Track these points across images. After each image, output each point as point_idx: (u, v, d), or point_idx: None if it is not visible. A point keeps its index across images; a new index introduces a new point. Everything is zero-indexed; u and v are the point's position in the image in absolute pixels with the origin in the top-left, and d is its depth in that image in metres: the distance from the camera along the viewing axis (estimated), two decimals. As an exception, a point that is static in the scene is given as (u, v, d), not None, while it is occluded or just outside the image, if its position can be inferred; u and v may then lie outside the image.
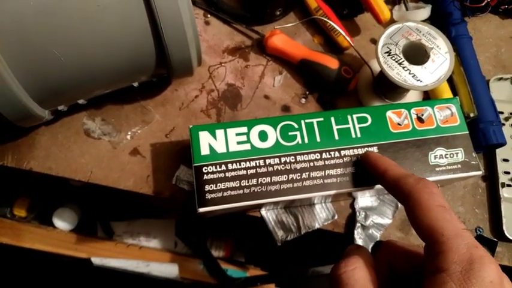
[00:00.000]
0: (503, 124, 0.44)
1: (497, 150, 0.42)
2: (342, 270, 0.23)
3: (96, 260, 0.49)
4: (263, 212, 0.39)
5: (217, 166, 0.35)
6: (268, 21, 0.45)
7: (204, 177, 0.34)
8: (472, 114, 0.41)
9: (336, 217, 0.39)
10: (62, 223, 0.54)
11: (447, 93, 0.43)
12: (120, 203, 0.56)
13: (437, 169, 0.36)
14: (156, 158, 0.40)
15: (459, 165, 0.36)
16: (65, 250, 0.51)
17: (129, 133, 0.40)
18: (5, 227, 0.52)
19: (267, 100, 0.43)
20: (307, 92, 0.44)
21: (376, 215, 0.40)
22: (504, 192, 0.41)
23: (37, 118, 0.33)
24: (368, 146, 0.36)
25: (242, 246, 0.56)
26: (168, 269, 0.49)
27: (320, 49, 0.45)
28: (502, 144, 0.41)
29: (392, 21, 0.46)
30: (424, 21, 0.47)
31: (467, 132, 0.37)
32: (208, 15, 0.46)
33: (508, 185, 0.41)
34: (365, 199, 0.40)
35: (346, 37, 0.44)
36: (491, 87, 0.44)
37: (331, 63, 0.42)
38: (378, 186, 0.36)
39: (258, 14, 0.44)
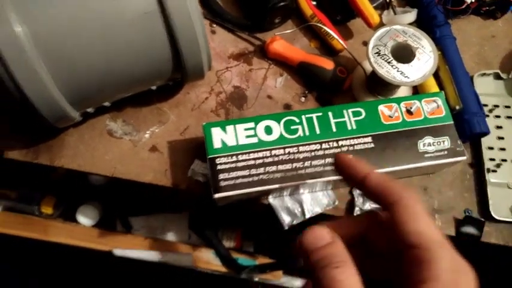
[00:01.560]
0: (488, 115, 0.47)
1: (483, 139, 0.46)
2: (342, 276, 0.22)
3: (117, 252, 0.54)
4: (270, 199, 0.43)
5: (229, 157, 0.39)
6: (269, 29, 0.50)
7: (218, 167, 0.39)
8: (457, 107, 0.45)
9: (337, 203, 0.43)
10: (85, 219, 0.58)
11: (434, 88, 0.47)
12: (137, 200, 0.60)
13: (426, 155, 0.40)
14: (172, 154, 0.44)
15: (446, 152, 0.40)
16: (88, 243, 0.56)
17: (148, 132, 0.45)
18: (34, 223, 0.56)
19: (270, 100, 0.48)
20: (306, 92, 0.48)
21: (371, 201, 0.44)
22: (490, 177, 0.45)
23: (70, 119, 0.38)
24: (363, 137, 0.40)
25: (251, 237, 0.60)
26: (184, 259, 0.53)
27: (316, 52, 0.50)
28: (486, 133, 0.45)
29: (381, 25, 0.50)
30: (411, 24, 0.51)
31: (452, 122, 0.41)
32: (214, 25, 0.50)
33: (493, 171, 0.45)
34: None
35: (340, 41, 0.48)
36: (475, 82, 0.48)
37: (327, 64, 0.47)
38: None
39: (259, 22, 0.49)
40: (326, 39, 0.50)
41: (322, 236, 0.23)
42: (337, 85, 0.47)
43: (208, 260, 0.55)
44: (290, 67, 0.49)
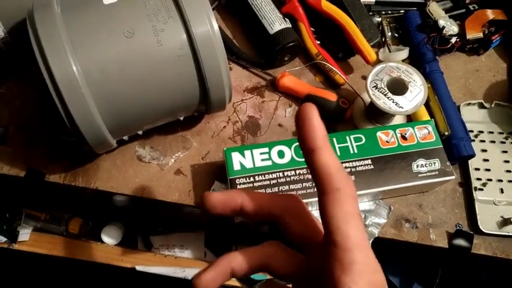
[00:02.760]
0: (473, 140, 0.53)
1: (470, 161, 0.52)
2: None
3: (139, 268, 0.58)
4: (282, 216, 0.48)
5: (247, 178, 0.45)
6: (279, 66, 0.57)
7: (237, 187, 0.44)
8: (446, 133, 0.51)
9: (341, 218, 0.48)
10: (109, 239, 0.63)
11: (425, 116, 0.53)
12: (157, 220, 0.65)
13: (419, 175, 0.46)
14: (195, 176, 0.50)
15: (437, 172, 0.46)
16: (112, 261, 0.60)
17: (173, 157, 0.51)
18: (62, 242, 0.61)
19: (281, 128, 0.54)
20: (313, 120, 0.54)
21: (374, 216, 0.49)
22: (477, 195, 0.50)
23: (109, 146, 0.44)
24: (363, 159, 0.46)
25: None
26: (202, 274, 0.58)
27: (321, 86, 0.56)
28: (472, 155, 0.50)
29: (378, 61, 0.57)
30: (404, 60, 0.58)
31: (442, 146, 0.47)
32: (231, 63, 0.57)
33: (480, 189, 0.51)
34: (363, 203, 0.49)
35: (342, 75, 0.55)
36: (461, 111, 0.55)
37: (331, 96, 0.53)
38: (374, 191, 0.46)
39: (270, 60, 0.56)
40: (329, 74, 0.56)
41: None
42: (340, 114, 0.53)
43: (223, 275, 0.59)
44: (298, 99, 0.55)
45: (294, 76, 0.55)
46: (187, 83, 0.41)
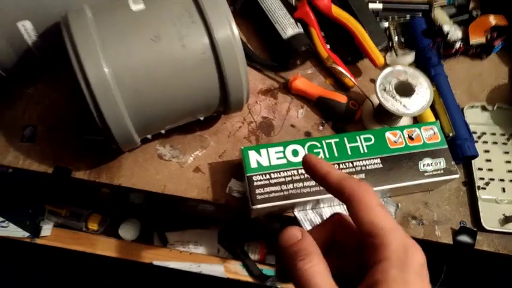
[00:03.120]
0: (477, 141, 0.56)
1: (473, 161, 0.54)
2: (308, 265, 0.24)
3: (157, 262, 0.61)
4: (296, 212, 0.51)
5: (263, 175, 0.47)
6: (291, 69, 0.59)
7: (254, 184, 0.47)
8: (451, 134, 0.54)
9: (352, 214, 0.51)
10: (126, 234, 0.66)
11: (431, 118, 0.55)
12: (172, 217, 0.68)
13: (425, 174, 0.48)
14: (212, 174, 0.53)
15: (442, 171, 0.49)
16: (129, 256, 0.63)
17: (192, 156, 0.53)
18: (82, 238, 0.64)
19: (293, 128, 0.56)
20: (324, 121, 0.57)
21: (382, 212, 0.51)
22: (480, 194, 0.53)
23: (134, 144, 0.46)
24: (373, 158, 0.49)
25: (272, 252, 0.67)
26: (216, 269, 0.60)
27: (331, 88, 0.59)
28: (475, 156, 0.53)
29: (386, 65, 0.60)
30: (410, 64, 0.60)
31: (447, 146, 0.50)
32: (249, 68, 0.59)
33: (483, 188, 0.53)
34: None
35: (351, 78, 0.58)
36: (465, 113, 0.57)
37: (341, 98, 0.56)
38: (383, 189, 0.49)
39: (283, 63, 0.59)
40: (339, 77, 0.59)
41: (293, 234, 0.27)
42: (350, 116, 0.56)
43: (236, 270, 0.62)
44: (309, 101, 0.58)
45: (305, 79, 0.58)
46: (209, 85, 0.44)
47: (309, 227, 0.51)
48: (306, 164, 0.30)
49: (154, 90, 0.42)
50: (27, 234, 0.63)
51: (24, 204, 0.64)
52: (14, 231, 0.63)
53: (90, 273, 0.70)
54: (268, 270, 0.63)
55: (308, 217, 0.51)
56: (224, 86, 0.44)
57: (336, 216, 0.29)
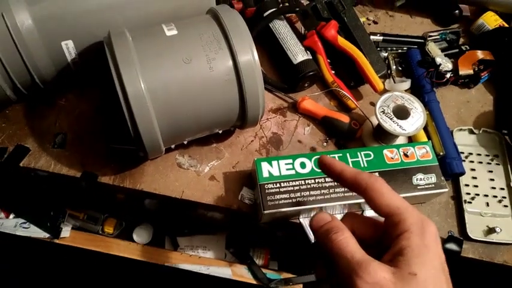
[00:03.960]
0: (464, 160, 0.62)
1: (461, 178, 0.60)
2: (341, 237, 0.28)
3: (168, 265, 0.65)
4: (301, 219, 0.56)
5: (274, 184, 0.53)
6: (299, 90, 0.66)
7: (266, 191, 0.52)
8: (441, 153, 0.60)
9: (352, 222, 0.57)
10: (139, 238, 0.70)
11: (424, 138, 0.62)
12: (183, 222, 0.73)
13: (418, 187, 0.54)
14: (226, 182, 0.58)
15: (433, 185, 0.54)
16: (142, 258, 0.67)
17: (208, 165, 0.59)
18: (98, 240, 0.68)
19: (300, 144, 0.62)
20: (327, 138, 0.63)
21: (379, 221, 0.57)
22: (467, 207, 0.59)
23: (160, 152, 0.52)
24: (372, 172, 0.55)
25: (275, 258, 0.72)
26: (224, 271, 0.65)
27: (335, 109, 0.65)
28: (463, 173, 0.59)
29: (385, 90, 0.66)
30: (406, 90, 0.67)
31: (438, 163, 0.56)
32: (257, 86, 0.66)
33: (469, 202, 0.59)
34: (370, 211, 0.57)
35: (353, 101, 0.64)
36: (454, 135, 0.64)
37: (344, 118, 0.62)
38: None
39: (292, 85, 0.65)
40: (342, 100, 0.65)
41: (323, 217, 0.31)
42: (351, 134, 0.62)
43: (242, 274, 0.66)
44: (315, 119, 0.64)
45: (312, 100, 0.64)
46: (231, 102, 0.50)
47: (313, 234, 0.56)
48: (322, 164, 0.34)
49: (183, 105, 0.48)
50: (47, 235, 0.67)
51: (45, 207, 0.68)
52: (35, 232, 0.67)
53: (105, 272, 0.74)
54: (271, 274, 0.67)
55: (313, 224, 0.56)
56: (244, 103, 0.50)
57: (351, 214, 0.33)
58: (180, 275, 0.66)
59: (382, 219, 0.30)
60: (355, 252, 0.28)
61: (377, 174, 0.54)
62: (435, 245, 0.28)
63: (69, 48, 0.53)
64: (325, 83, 0.66)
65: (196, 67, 0.48)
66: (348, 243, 0.28)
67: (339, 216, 0.56)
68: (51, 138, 0.59)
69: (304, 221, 0.57)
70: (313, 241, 0.56)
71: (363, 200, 0.52)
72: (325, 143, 0.63)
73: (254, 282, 0.67)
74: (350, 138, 0.63)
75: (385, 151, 0.56)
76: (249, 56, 0.49)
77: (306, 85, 0.66)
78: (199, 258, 0.68)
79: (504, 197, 0.60)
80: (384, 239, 0.29)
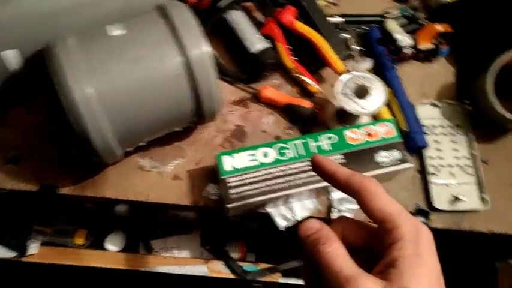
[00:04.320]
0: (428, 134, 0.62)
1: (425, 151, 0.60)
2: (328, 248, 0.26)
3: (143, 269, 0.64)
4: (268, 208, 0.55)
5: (237, 177, 0.52)
6: (261, 80, 0.65)
7: (228, 185, 0.51)
8: (405, 128, 0.60)
9: (319, 207, 0.56)
10: (112, 246, 0.68)
11: (387, 115, 0.61)
12: (156, 225, 0.71)
13: (383, 165, 0.54)
14: (191, 180, 0.57)
15: (397, 161, 0.54)
16: (117, 265, 0.66)
17: (171, 165, 0.57)
18: (69, 253, 0.66)
19: (264, 133, 0.61)
20: (292, 125, 0.62)
21: (347, 203, 0.56)
22: (432, 179, 0.59)
23: (117, 157, 0.50)
24: (336, 155, 0.54)
25: (252, 250, 0.71)
26: (200, 269, 0.64)
27: (298, 96, 0.64)
28: (426, 146, 0.59)
29: (347, 72, 0.65)
30: (369, 70, 0.66)
31: (401, 139, 0.56)
32: (218, 79, 0.64)
33: (433, 173, 0.59)
34: (338, 193, 0.57)
35: (315, 85, 0.63)
36: (417, 109, 0.63)
37: (306, 104, 0.61)
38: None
39: (252, 75, 0.64)
40: (304, 85, 0.64)
41: (312, 225, 0.29)
42: (314, 119, 0.61)
43: (219, 269, 0.65)
44: (278, 108, 0.63)
45: (274, 88, 0.63)
46: (185, 98, 0.49)
47: (282, 222, 0.55)
48: (314, 164, 0.32)
49: (136, 106, 0.47)
50: (14, 254, 0.65)
51: (10, 225, 0.66)
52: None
53: (80, 286, 0.72)
54: (249, 266, 0.67)
55: (280, 212, 0.56)
56: (198, 98, 0.49)
57: (342, 218, 0.31)
58: (157, 278, 0.65)
59: (374, 225, 0.28)
60: (344, 267, 0.26)
61: (341, 156, 0.54)
62: (430, 255, 0.26)
63: (10, 58, 0.51)
64: (286, 70, 0.65)
65: (146, 66, 0.46)
66: (337, 255, 0.26)
67: (299, 205, 0.56)
68: (2, 154, 0.56)
69: (272, 210, 0.56)
70: (281, 229, 0.55)
71: (328, 184, 0.52)
72: (289, 131, 0.62)
73: (232, 276, 0.66)
74: (314, 123, 0.62)
75: (347, 132, 0.55)
76: (199, 49, 0.47)
77: (267, 74, 0.65)
78: (175, 259, 0.67)
79: (468, 166, 0.60)
80: (377, 246, 0.28)
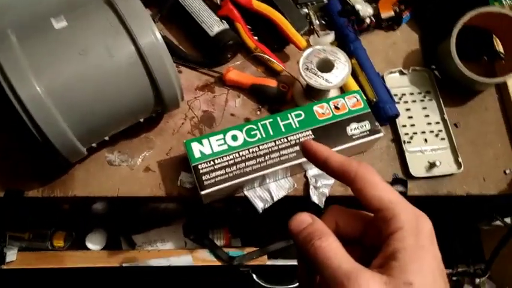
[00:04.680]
0: (398, 102, 0.62)
1: (397, 120, 0.60)
2: (325, 243, 0.25)
3: (126, 264, 0.63)
4: (245, 191, 0.55)
5: (208, 163, 0.51)
6: (224, 63, 0.63)
7: (200, 171, 0.50)
8: (374, 99, 0.60)
9: (296, 185, 0.56)
10: (93, 245, 0.67)
11: (355, 88, 0.61)
12: (137, 220, 0.70)
13: (353, 137, 0.54)
14: (162, 170, 0.56)
15: (368, 132, 0.54)
16: (100, 264, 0.65)
17: (140, 157, 0.56)
18: (49, 256, 0.65)
19: (233, 116, 0.60)
20: (260, 106, 0.61)
21: (323, 178, 0.56)
22: (407, 147, 0.59)
23: (80, 154, 0.49)
24: (305, 131, 0.53)
25: (237, 235, 0.71)
26: (185, 259, 0.63)
27: (263, 75, 0.63)
28: (397, 115, 0.59)
29: (309, 46, 0.65)
30: (332, 43, 0.66)
31: (370, 110, 0.55)
32: (180, 66, 0.63)
33: (409, 142, 0.59)
34: (313, 170, 0.57)
35: (279, 64, 0.62)
36: (385, 79, 0.63)
37: (272, 83, 0.60)
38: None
39: (215, 59, 0.62)
40: (269, 64, 0.63)
41: (303, 219, 0.27)
42: (282, 97, 0.60)
43: (204, 258, 0.65)
44: (244, 89, 0.62)
45: (238, 70, 0.62)
46: (142, 87, 0.47)
47: (259, 204, 0.55)
48: (305, 151, 0.29)
49: (89, 100, 0.45)
50: (-8, 263, 0.63)
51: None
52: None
53: (64, 287, 0.71)
54: (234, 252, 0.67)
55: (257, 194, 0.55)
56: (156, 86, 0.48)
57: (334, 208, 0.29)
58: (143, 272, 0.64)
59: (370, 214, 0.27)
60: (342, 262, 0.24)
61: (310, 132, 0.53)
62: (431, 246, 0.25)
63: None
64: (248, 50, 0.64)
65: (94, 57, 0.44)
66: (334, 250, 0.24)
67: (275, 185, 0.56)
68: (-35, 162, 0.55)
69: (249, 193, 0.56)
70: (260, 211, 0.55)
71: (302, 160, 0.52)
72: (258, 112, 0.61)
73: (218, 263, 0.66)
74: (281, 102, 0.61)
75: (315, 107, 0.55)
76: (150, 36, 0.46)
77: (229, 56, 0.63)
78: (159, 252, 0.66)
79: (440, 131, 0.61)
80: (374, 237, 0.26)
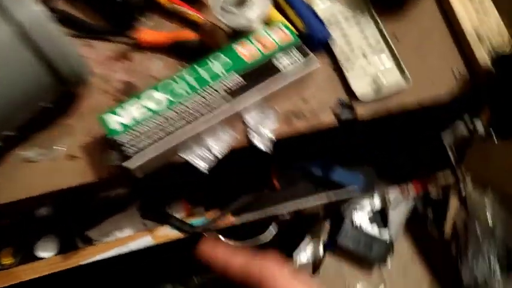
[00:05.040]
0: (331, 26, 0.57)
1: (334, 46, 0.55)
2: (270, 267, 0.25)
3: (84, 262, 0.59)
4: (182, 154, 0.50)
5: (130, 134, 0.45)
6: (135, 26, 0.56)
7: (122, 144, 0.45)
8: (303, 29, 0.54)
9: (237, 135, 0.51)
10: (46, 253, 0.62)
11: (282, 20, 0.55)
12: (88, 215, 0.65)
13: (288, 73, 0.49)
14: (87, 154, 0.50)
15: (303, 65, 0.49)
16: (56, 269, 0.60)
17: (61, 146, 0.50)
18: (1, 276, 0.60)
19: (157, 80, 0.54)
20: (185, 63, 0.55)
21: (265, 121, 0.51)
22: (347, 72, 0.54)
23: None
24: (234, 78, 0.48)
25: (200, 202, 0.67)
26: (144, 242, 0.60)
27: (183, 30, 0.57)
28: (330, 38, 0.54)
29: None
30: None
31: (300, 41, 0.50)
32: (89, 40, 0.56)
33: (348, 66, 0.55)
34: (252, 117, 0.52)
35: (197, 14, 0.56)
36: (313, 4, 0.57)
37: (191, 36, 0.54)
38: (254, 102, 0.49)
39: (123, 23, 0.56)
40: (186, 17, 0.57)
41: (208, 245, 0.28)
42: (206, 49, 0.54)
43: (166, 234, 0.61)
44: (164, 49, 0.56)
45: (152, 30, 0.55)
46: (31, 69, 0.41)
47: (201, 163, 0.50)
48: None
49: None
50: None
51: None
52: None
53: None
54: (196, 221, 0.64)
55: (196, 154, 0.50)
56: (50, 65, 0.41)
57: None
58: (105, 266, 0.60)
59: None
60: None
61: (240, 78, 0.48)
62: None
63: None
64: (160, 7, 0.57)
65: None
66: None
67: (215, 141, 0.50)
68: None
69: (188, 156, 0.50)
70: (206, 171, 0.50)
71: (238, 109, 0.47)
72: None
73: (181, 235, 0.62)
74: (207, 53, 0.55)
75: (237, 48, 0.50)
76: (29, 9, 0.39)
77: (140, 17, 0.57)
78: (116, 241, 0.62)
79: (381, 48, 0.56)
80: None
